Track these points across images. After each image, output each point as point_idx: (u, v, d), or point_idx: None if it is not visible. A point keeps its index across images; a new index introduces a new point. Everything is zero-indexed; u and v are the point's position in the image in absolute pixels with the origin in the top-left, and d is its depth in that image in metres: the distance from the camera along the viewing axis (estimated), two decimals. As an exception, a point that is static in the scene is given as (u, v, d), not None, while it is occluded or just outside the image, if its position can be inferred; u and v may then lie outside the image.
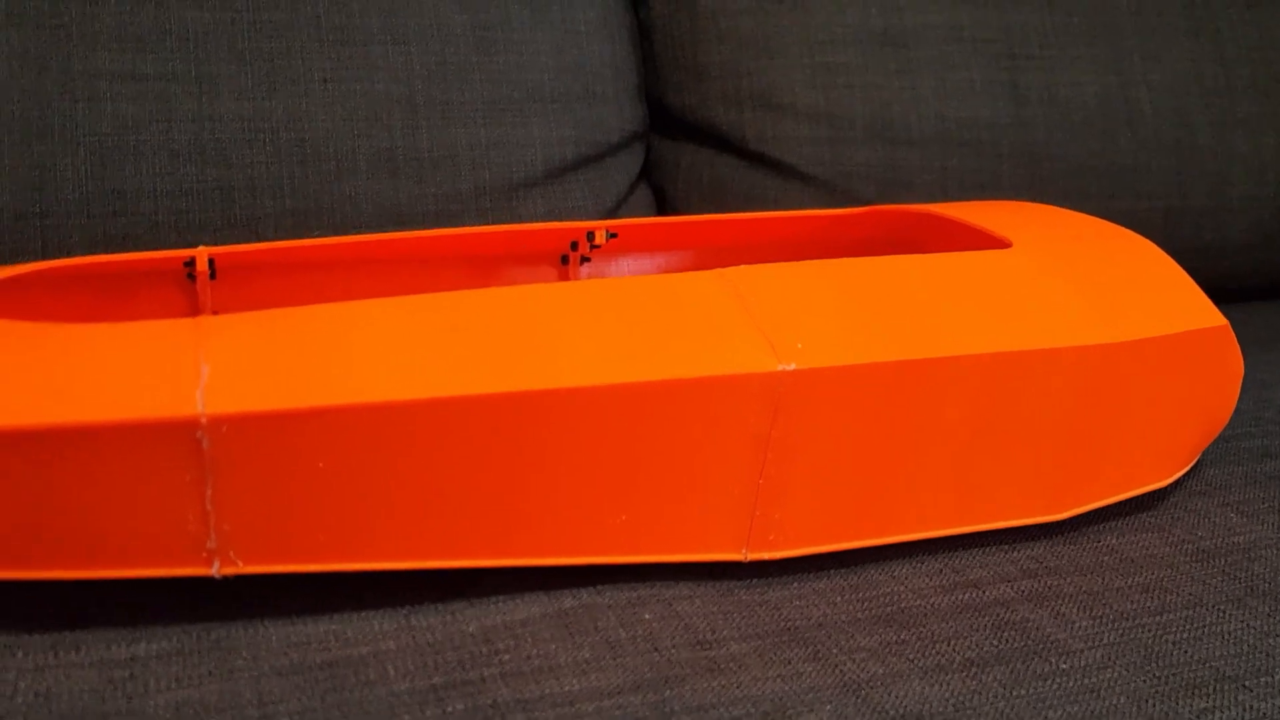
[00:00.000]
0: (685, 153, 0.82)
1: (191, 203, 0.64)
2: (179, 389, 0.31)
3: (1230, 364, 0.43)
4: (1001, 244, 0.45)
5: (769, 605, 0.38)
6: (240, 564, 0.34)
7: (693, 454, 0.36)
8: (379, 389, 0.32)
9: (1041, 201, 0.80)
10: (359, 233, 0.67)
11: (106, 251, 0.62)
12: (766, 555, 0.39)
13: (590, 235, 0.53)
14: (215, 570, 0.34)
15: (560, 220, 0.73)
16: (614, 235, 0.53)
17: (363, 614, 0.35)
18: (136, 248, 0.62)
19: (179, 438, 0.31)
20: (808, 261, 0.40)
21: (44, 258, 0.61)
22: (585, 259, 0.56)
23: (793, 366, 0.36)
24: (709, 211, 0.80)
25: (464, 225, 0.70)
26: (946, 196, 0.78)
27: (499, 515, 0.35)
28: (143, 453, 0.31)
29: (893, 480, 0.39)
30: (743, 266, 0.39)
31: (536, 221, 0.72)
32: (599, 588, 0.38)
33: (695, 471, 0.37)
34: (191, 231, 0.63)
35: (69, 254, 0.61)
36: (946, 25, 0.80)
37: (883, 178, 0.78)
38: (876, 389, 0.37)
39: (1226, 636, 0.35)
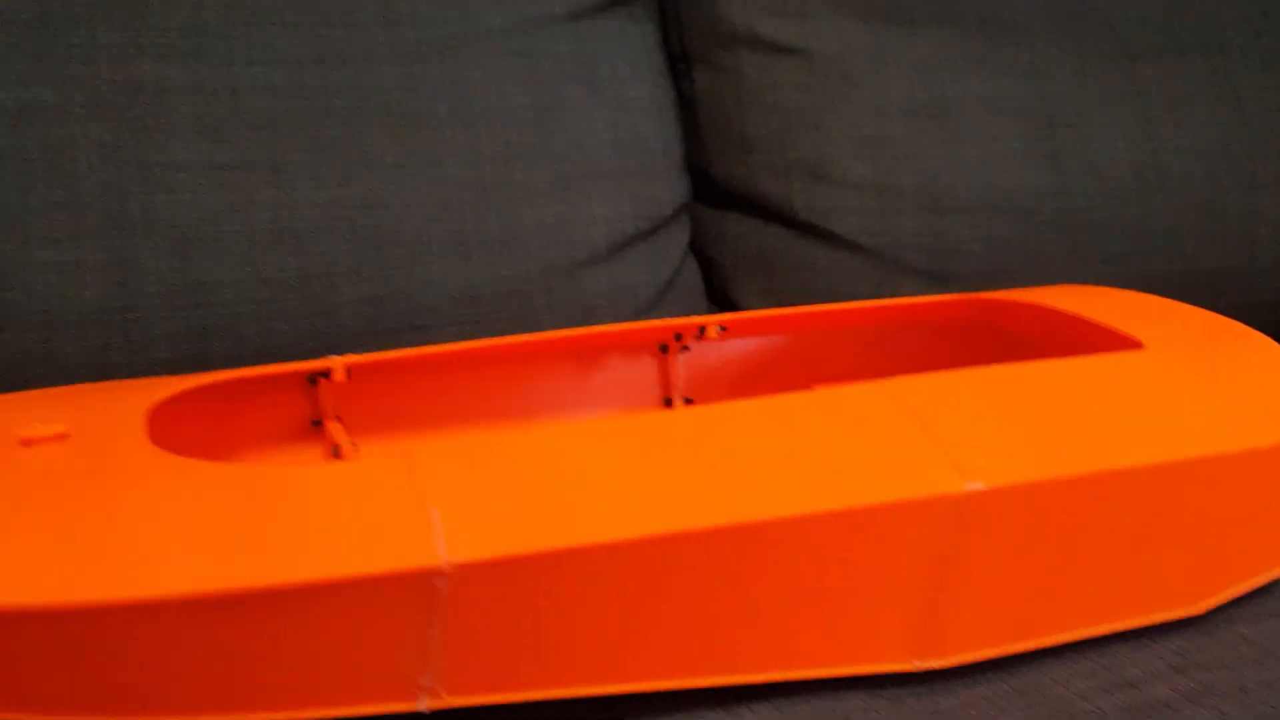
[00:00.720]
0: (730, 222, 0.83)
1: (272, 291, 0.64)
2: (415, 538, 0.31)
3: None
4: (1132, 344, 0.46)
5: (944, 715, 0.39)
6: (445, 697, 0.35)
7: (876, 571, 0.37)
8: (604, 528, 0.33)
9: (1083, 266, 0.82)
10: (433, 316, 0.67)
11: (189, 344, 0.62)
12: (935, 664, 0.40)
13: (701, 330, 0.54)
14: (422, 705, 0.35)
15: (620, 296, 0.74)
16: (724, 329, 0.54)
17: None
18: (219, 339, 0.62)
19: (417, 586, 0.32)
20: (965, 371, 0.41)
21: (129, 352, 0.61)
22: (685, 347, 0.57)
23: (979, 486, 0.37)
24: (757, 281, 0.81)
25: (530, 302, 0.70)
26: (993, 263, 0.80)
27: (693, 639, 0.36)
28: (374, 602, 0.31)
29: (1056, 583, 0.40)
30: (907, 378, 0.41)
31: (600, 298, 0.73)
32: (775, 703, 0.39)
33: (876, 587, 0.37)
34: (271, 320, 0.63)
35: (153, 348, 0.61)
36: (987, 96, 0.82)
37: (931, 246, 0.79)
38: (1054, 502, 0.38)
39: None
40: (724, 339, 0.57)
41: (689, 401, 0.57)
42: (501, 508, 0.33)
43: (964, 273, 0.80)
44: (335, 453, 0.46)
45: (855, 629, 0.38)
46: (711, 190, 0.85)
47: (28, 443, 0.36)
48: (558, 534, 0.33)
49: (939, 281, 0.80)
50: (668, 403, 0.57)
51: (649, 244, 0.77)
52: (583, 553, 0.33)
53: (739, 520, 0.34)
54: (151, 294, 0.61)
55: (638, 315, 0.75)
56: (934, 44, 0.82)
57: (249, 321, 0.63)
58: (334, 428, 0.48)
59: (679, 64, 0.85)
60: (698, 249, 0.84)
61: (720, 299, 0.84)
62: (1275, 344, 0.48)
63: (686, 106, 0.85)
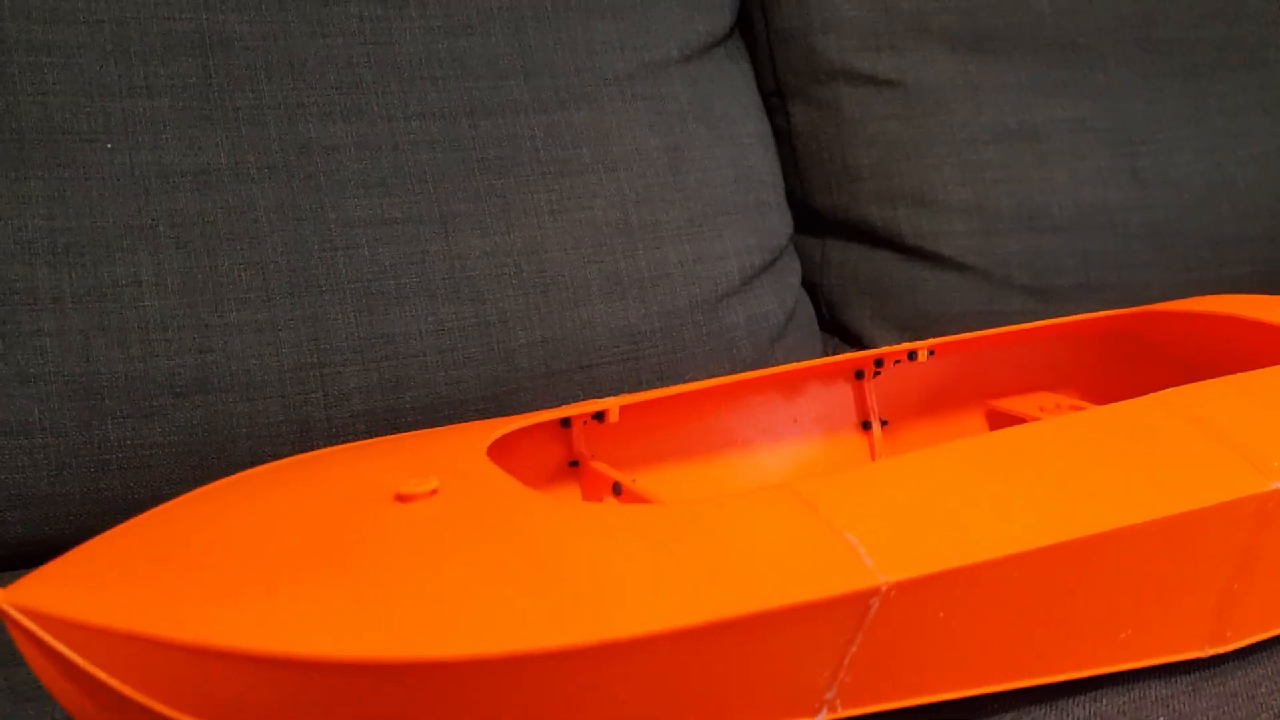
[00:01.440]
0: (836, 250, 0.87)
1: (454, 340, 0.66)
2: (846, 563, 0.34)
3: None
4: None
5: (1234, 695, 0.42)
6: (840, 709, 0.37)
7: (1189, 569, 0.40)
8: (992, 544, 0.36)
9: (1168, 273, 0.87)
10: (598, 354, 0.69)
11: (382, 395, 0.64)
12: (1224, 649, 0.43)
13: (912, 354, 0.57)
14: (820, 718, 0.37)
15: (755, 326, 0.76)
16: (932, 353, 0.57)
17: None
18: (409, 389, 0.64)
19: (851, 607, 0.34)
20: (1226, 379, 0.45)
21: (326, 406, 0.62)
22: (877, 373, 0.60)
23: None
24: (869, 305, 0.85)
25: (680, 336, 0.73)
26: (1089, 276, 0.85)
27: (1041, 640, 0.39)
28: (805, 626, 0.34)
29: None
30: (1176, 389, 0.44)
31: (738, 329, 0.76)
32: (1095, 694, 0.42)
33: (1187, 584, 0.41)
34: (456, 368, 0.65)
35: (349, 401, 0.63)
36: (1071, 119, 0.87)
37: (1031, 263, 0.84)
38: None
39: None
40: (908, 364, 0.60)
41: (884, 423, 0.60)
42: (904, 530, 0.36)
43: (1063, 286, 0.84)
44: (616, 489, 0.48)
45: (1165, 622, 0.41)
46: (812, 220, 0.88)
47: (404, 499, 0.38)
48: (960, 552, 0.35)
49: (1040, 297, 0.84)
50: (865, 426, 0.60)
51: (771, 275, 0.80)
52: (980, 568, 0.35)
53: (1090, 532, 0.37)
54: (343, 348, 0.63)
55: (771, 343, 0.78)
56: (1019, 71, 0.86)
57: (435, 370, 0.65)
58: (601, 466, 0.50)
59: (773, 99, 0.89)
60: (804, 278, 0.88)
61: (830, 325, 0.87)
62: None
63: (783, 140, 0.88)
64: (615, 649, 0.32)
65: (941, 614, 0.36)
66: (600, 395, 0.70)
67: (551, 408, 0.63)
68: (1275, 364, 0.56)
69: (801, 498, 0.37)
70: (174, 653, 0.32)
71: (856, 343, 0.85)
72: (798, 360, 0.80)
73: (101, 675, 0.33)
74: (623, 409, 0.51)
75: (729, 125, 0.81)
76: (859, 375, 0.59)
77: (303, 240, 0.64)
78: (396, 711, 0.33)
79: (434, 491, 0.38)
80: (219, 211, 0.63)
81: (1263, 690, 0.42)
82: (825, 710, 0.37)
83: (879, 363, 0.58)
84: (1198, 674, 0.43)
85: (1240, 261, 0.90)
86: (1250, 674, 0.43)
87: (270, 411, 0.61)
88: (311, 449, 0.62)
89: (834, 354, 0.86)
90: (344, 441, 0.63)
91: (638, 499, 0.47)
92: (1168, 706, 0.41)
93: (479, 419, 0.66)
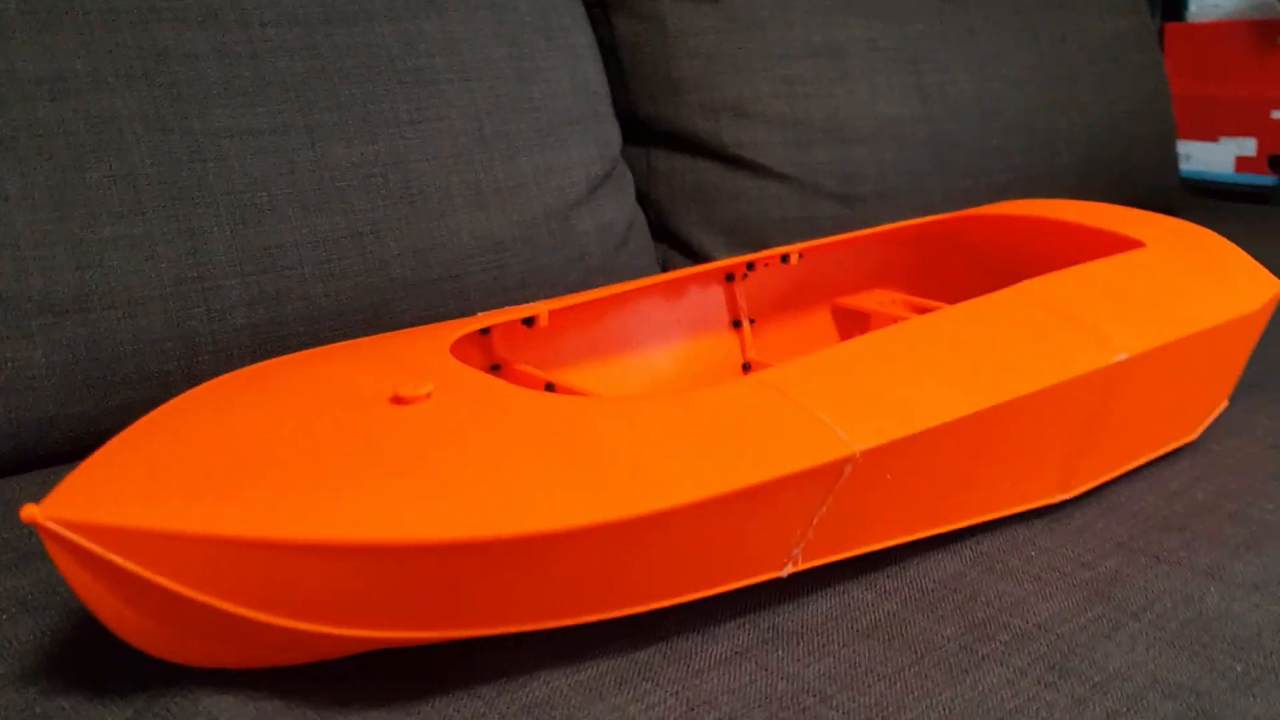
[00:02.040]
0: (662, 159, 0.92)
1: (330, 251, 0.66)
2: (819, 436, 0.40)
3: (1264, 318, 0.61)
4: (1136, 243, 0.60)
5: (1077, 529, 0.51)
6: (800, 562, 0.43)
7: (1051, 429, 0.49)
8: (936, 414, 0.42)
9: (949, 180, 0.97)
10: (467, 263, 0.71)
11: (264, 309, 0.64)
12: (1068, 496, 0.52)
13: (785, 257, 0.63)
14: (785, 572, 0.43)
15: (603, 234, 0.80)
16: (801, 256, 0.64)
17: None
18: (289, 301, 0.64)
19: (828, 475, 0.40)
20: (1073, 269, 0.53)
21: (209, 321, 0.62)
22: (746, 275, 0.66)
23: (1123, 356, 0.49)
24: (695, 212, 0.90)
25: (538, 245, 0.76)
26: (886, 183, 0.94)
27: (945, 495, 0.46)
28: (787, 494, 0.39)
29: (1139, 423, 0.53)
30: (1035, 280, 0.52)
31: (589, 236, 0.80)
32: (977, 538, 0.50)
33: (1049, 443, 0.49)
34: (334, 279, 0.66)
35: (231, 315, 0.63)
36: (867, 38, 0.95)
37: (840, 173, 0.92)
38: (1157, 362, 0.51)
39: None
40: (764, 269, 0.66)
41: (752, 321, 0.66)
42: (862, 406, 0.41)
43: (865, 193, 0.93)
44: (549, 389, 0.52)
45: (1029, 476, 0.50)
46: (638, 131, 0.92)
47: (402, 401, 0.40)
48: (909, 422, 0.42)
49: (846, 203, 0.92)
50: (736, 324, 0.65)
51: (611, 184, 0.84)
52: (924, 434, 0.42)
53: (998, 401, 0.44)
54: (222, 262, 0.63)
55: (617, 251, 0.82)
56: (824, -8, 0.93)
57: (314, 283, 0.65)
58: (528, 368, 0.53)
59: (595, 10, 0.92)
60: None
61: (660, 232, 0.92)
62: (1205, 229, 0.63)
63: (608, 52, 0.92)
64: (630, 524, 0.36)
65: (888, 476, 0.42)
66: (470, 304, 0.72)
67: (457, 319, 0.65)
68: (1078, 258, 0.66)
69: (772, 385, 0.42)
70: (225, 547, 0.34)
71: (686, 249, 0.91)
72: (641, 267, 0.85)
73: (146, 574, 0.34)
74: (516, 314, 0.54)
75: (565, 36, 0.83)
76: (730, 278, 0.65)
77: (170, 151, 0.62)
78: (438, 590, 0.36)
79: (429, 395, 0.41)
80: (81, 122, 0.60)
81: (1099, 525, 0.51)
82: (790, 565, 0.43)
83: (751, 266, 0.64)
84: (1049, 517, 0.52)
85: (1006, 170, 1.02)
86: (1087, 513, 0.53)
87: (154, 328, 0.60)
88: (197, 365, 0.62)
89: (667, 261, 0.91)
90: (229, 356, 0.62)
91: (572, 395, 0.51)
92: (1033, 543, 0.50)
93: (359, 330, 0.68)
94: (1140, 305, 0.52)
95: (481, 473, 0.36)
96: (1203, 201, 1.40)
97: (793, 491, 0.39)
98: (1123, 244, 0.61)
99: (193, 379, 0.62)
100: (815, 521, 0.41)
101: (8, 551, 0.49)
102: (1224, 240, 0.62)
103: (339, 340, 0.66)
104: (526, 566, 0.36)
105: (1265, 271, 0.60)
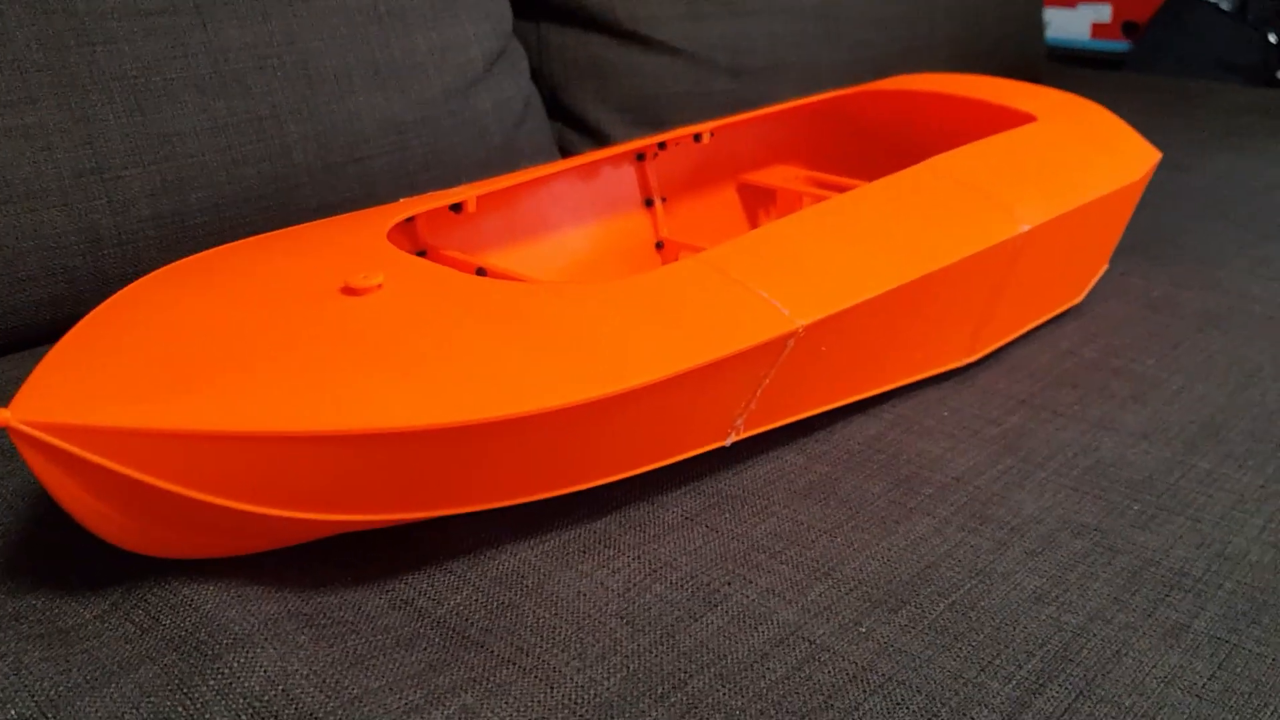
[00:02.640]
0: (552, 33, 0.91)
1: (230, 138, 0.65)
2: (763, 313, 0.42)
3: (1142, 185, 0.65)
4: (1027, 117, 0.63)
5: (982, 388, 0.55)
6: (742, 431, 0.46)
7: (964, 296, 0.52)
8: (866, 287, 0.45)
9: (837, 51, 0.99)
10: (369, 146, 0.71)
11: (169, 199, 0.62)
12: (974, 358, 0.56)
13: (697, 136, 0.64)
14: (729, 441, 0.46)
15: (502, 110, 0.80)
16: (713, 134, 0.65)
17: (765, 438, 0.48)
18: (193, 189, 0.63)
19: (772, 350, 0.42)
20: (976, 144, 0.56)
21: (113, 213, 0.60)
22: (656, 155, 0.67)
23: (1027, 228, 0.52)
24: (590, 87, 0.90)
25: (439, 125, 0.75)
26: (776, 55, 0.95)
27: (868, 362, 0.49)
28: (734, 370, 0.41)
29: (1034, 289, 0.57)
30: (943, 156, 0.55)
31: (489, 114, 0.79)
32: (893, 402, 0.54)
33: (960, 308, 0.52)
34: (236, 166, 0.65)
35: (136, 206, 0.61)
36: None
37: (732, 46, 0.92)
38: (1053, 232, 0.54)
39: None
40: (673, 147, 0.67)
41: (664, 200, 0.67)
42: (798, 282, 0.43)
43: (756, 67, 0.94)
44: (480, 273, 0.52)
45: (941, 340, 0.53)
46: (526, 4, 0.91)
47: (354, 292, 0.40)
48: (843, 296, 0.44)
49: (738, 76, 0.93)
50: (648, 203, 0.67)
51: (506, 61, 0.83)
52: (856, 308, 0.44)
53: (921, 273, 0.47)
54: (120, 150, 0.60)
55: (517, 128, 0.82)
56: None
57: (216, 170, 0.64)
58: (456, 253, 0.53)
59: (479, -120, 0.89)
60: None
61: (555, 110, 0.92)
62: (1089, 101, 0.67)
63: (493, -77, 0.89)
64: (590, 406, 0.38)
65: (823, 348, 0.45)
66: (374, 188, 0.71)
67: (381, 205, 0.65)
68: (972, 132, 0.69)
69: (713, 265, 0.44)
70: (207, 442, 0.34)
71: (582, 125, 0.91)
72: (540, 145, 0.85)
73: (124, 470, 0.35)
74: (442, 200, 0.54)
75: (451, -93, 0.81)
76: (640, 158, 0.66)
77: (57, 35, 0.59)
78: (408, 474, 0.37)
79: (380, 285, 0.41)
80: (-47, 3, 0.57)
81: (1002, 384, 0.56)
82: (733, 435, 0.45)
83: (662, 145, 0.65)
84: (956, 379, 0.56)
85: (888, 40, 1.04)
86: (991, 373, 0.57)
87: (55, 222, 0.58)
88: (102, 259, 0.60)
89: (563, 139, 0.91)
90: (134, 249, 0.61)
91: (504, 279, 0.52)
92: (945, 404, 0.53)
93: (265, 217, 0.66)
94: (1038, 178, 0.55)
95: (442, 361, 0.37)
96: (1061, 68, 1.46)
97: (740, 367, 0.42)
98: (1014, 118, 0.64)
99: (99, 274, 0.60)
100: (758, 394, 0.44)
101: (-67, 457, 0.48)
102: (1107, 112, 0.66)
103: (246, 230, 0.65)
104: (492, 449, 0.37)
105: (1145, 142, 0.64)
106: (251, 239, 0.48)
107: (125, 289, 0.42)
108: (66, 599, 0.39)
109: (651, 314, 0.41)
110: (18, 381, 0.55)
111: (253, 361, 0.37)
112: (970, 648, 0.37)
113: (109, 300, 0.41)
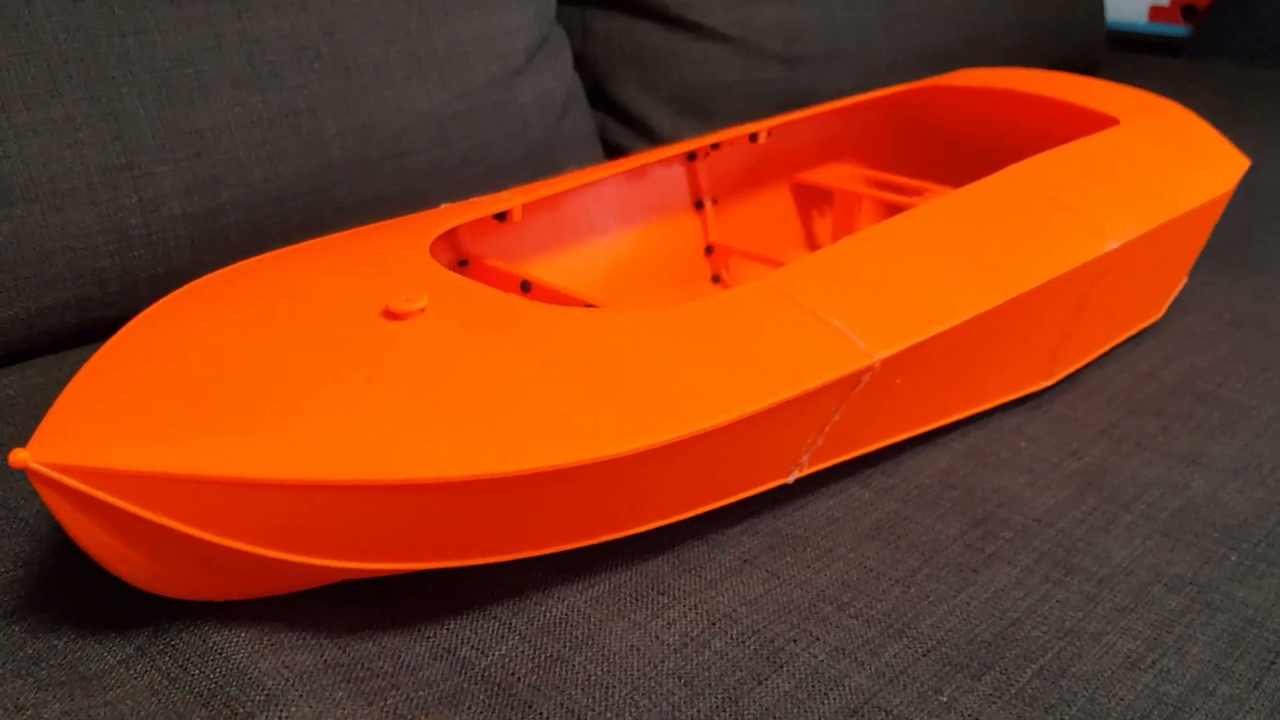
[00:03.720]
0: (597, 19, 0.87)
1: (265, 132, 0.62)
2: (836, 345, 0.38)
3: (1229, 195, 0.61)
4: (1110, 120, 0.60)
5: (1058, 416, 0.52)
6: (805, 467, 0.43)
7: (1045, 319, 0.48)
8: (950, 315, 0.41)
9: (895, 38, 0.95)
10: (409, 141, 0.68)
11: (201, 196, 0.59)
12: (1051, 382, 0.53)
13: (753, 136, 0.61)
14: (791, 478, 0.42)
15: (544, 103, 0.77)
16: (770, 134, 0.61)
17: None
18: (225, 188, 0.60)
19: (845, 386, 0.39)
20: (1060, 149, 0.52)
21: (143, 212, 0.58)
22: (709, 154, 0.63)
23: (1115, 245, 0.49)
24: (634, 75, 0.87)
25: (481, 118, 0.72)
26: (834, 44, 0.91)
27: (941, 392, 0.46)
28: (804, 406, 0.38)
29: (1110, 305, 0.53)
30: (1023, 165, 0.51)
31: (530, 107, 0.76)
32: (964, 431, 0.50)
33: (1041, 331, 0.49)
34: (271, 162, 0.62)
35: (166, 205, 0.58)
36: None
37: (787, 33, 0.89)
38: (1144, 245, 0.51)
39: None
40: (728, 149, 0.64)
41: (715, 201, 0.64)
42: (873, 310, 0.40)
43: (812, 55, 0.90)
44: (525, 287, 0.49)
45: (1019, 366, 0.50)
46: (571, -10, 0.88)
47: (396, 316, 0.38)
48: (923, 326, 0.41)
49: (792, 65, 0.90)
50: (699, 205, 0.63)
51: (549, 50, 0.80)
52: (936, 338, 0.41)
53: (1003, 299, 0.44)
54: (150, 147, 0.58)
55: (559, 120, 0.79)
56: None
57: (250, 167, 0.61)
58: (498, 263, 0.50)
59: None
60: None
61: (598, 99, 0.89)
62: (1172, 102, 0.63)
63: (539, -96, 0.86)
64: (650, 453, 0.35)
65: (898, 380, 0.42)
66: (413, 185, 0.68)
67: (421, 210, 0.62)
68: (1047, 134, 0.65)
69: (781, 290, 0.40)
70: (235, 489, 0.32)
71: (625, 116, 0.87)
72: (581, 137, 0.81)
73: (146, 514, 0.32)
74: (486, 208, 0.51)
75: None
76: (691, 157, 0.62)
77: (85, 25, 0.56)
78: (453, 523, 0.34)
79: (424, 309, 0.38)
80: (-21, -9, 0.54)
81: (1079, 411, 0.52)
82: (796, 471, 0.42)
83: (715, 145, 0.61)
84: (1030, 404, 0.53)
85: (950, 26, 1.00)
86: (1067, 399, 0.53)
87: (83, 221, 0.56)
88: (132, 260, 0.58)
89: (605, 131, 0.88)
90: (165, 249, 0.58)
91: (550, 295, 0.49)
92: (1020, 433, 0.50)
93: (300, 216, 0.64)
94: (1124, 189, 0.52)
95: (492, 401, 0.34)
96: (1117, 54, 1.41)
97: (810, 404, 0.38)
98: (1094, 120, 0.61)
99: (128, 275, 0.58)
100: (826, 430, 0.41)
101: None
102: (1192, 115, 0.62)
103: (280, 230, 0.63)
104: (541, 498, 0.34)
105: (1233, 149, 0.60)
106: (286, 250, 0.45)
107: (148, 310, 0.40)
108: (90, 641, 0.36)
109: (715, 346, 0.38)
110: (44, 389, 0.53)
111: (284, 399, 0.34)
112: (1062, 722, 0.34)
113: (131, 323, 0.39)
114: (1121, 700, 0.35)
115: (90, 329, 0.58)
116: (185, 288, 0.41)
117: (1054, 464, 0.47)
